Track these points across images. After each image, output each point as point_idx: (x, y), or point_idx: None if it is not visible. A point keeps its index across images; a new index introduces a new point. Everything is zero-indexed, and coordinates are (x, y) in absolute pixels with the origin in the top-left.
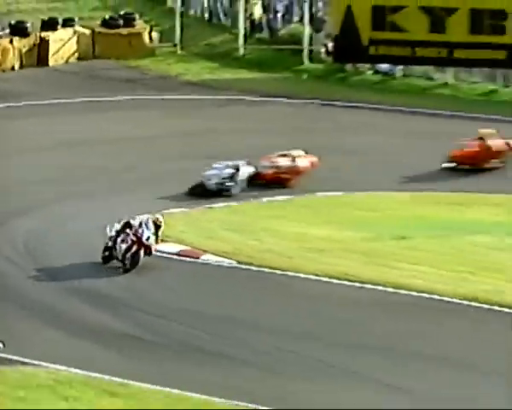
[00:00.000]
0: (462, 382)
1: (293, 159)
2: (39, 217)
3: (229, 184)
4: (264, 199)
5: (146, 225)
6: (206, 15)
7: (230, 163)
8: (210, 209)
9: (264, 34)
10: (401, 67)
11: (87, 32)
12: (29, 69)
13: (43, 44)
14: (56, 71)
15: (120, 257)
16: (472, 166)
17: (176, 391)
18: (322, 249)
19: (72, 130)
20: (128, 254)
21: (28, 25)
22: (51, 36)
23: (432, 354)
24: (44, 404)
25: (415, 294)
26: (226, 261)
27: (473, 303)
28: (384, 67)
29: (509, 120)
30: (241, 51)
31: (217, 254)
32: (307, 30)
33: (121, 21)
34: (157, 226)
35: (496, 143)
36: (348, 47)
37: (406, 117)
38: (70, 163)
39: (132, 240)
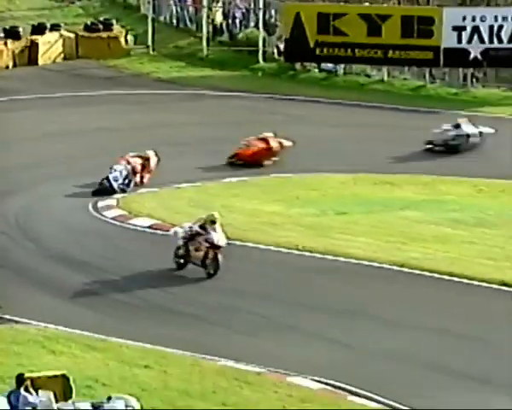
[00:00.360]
0: (391, 336)
1: (267, 141)
2: (27, 196)
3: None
4: (224, 180)
5: (211, 227)
6: (175, 21)
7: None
8: (177, 189)
9: (225, 37)
10: (343, 65)
11: (71, 35)
12: (21, 68)
13: (34, 46)
14: (45, 69)
15: (200, 264)
16: (252, 163)
17: (147, 345)
18: (275, 223)
19: (57, 121)
20: (208, 261)
21: (20, 29)
22: (40, 39)
23: (367, 312)
24: (35, 357)
25: (354, 261)
26: None
27: (404, 269)
28: (328, 65)
29: (436, 111)
30: (205, 52)
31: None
32: (262, 33)
33: (101, 26)
34: (213, 222)
35: (275, 142)
36: (297, 48)
37: (347, 109)
38: (55, 150)
39: (206, 247)
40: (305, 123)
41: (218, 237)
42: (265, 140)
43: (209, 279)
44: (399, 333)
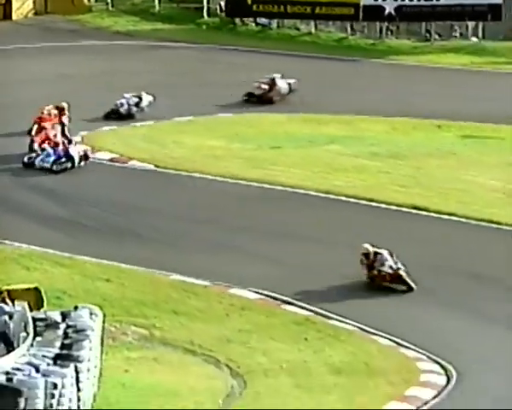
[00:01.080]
0: (317, 252)
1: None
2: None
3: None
4: (174, 119)
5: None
6: None
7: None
8: (133, 127)
9: None
10: (276, 20)
11: None
12: None
13: (8, 4)
14: (18, 24)
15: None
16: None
17: (108, 262)
18: (217, 156)
19: (27, 69)
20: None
21: None
22: None
23: (298, 233)
24: (11, 272)
25: (286, 189)
26: (147, 166)
27: (329, 196)
28: (263, 20)
29: (356, 59)
30: (157, 8)
31: (139, 161)
32: None
33: None
34: None
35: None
36: (236, 5)
37: (279, 58)
38: (24, 95)
39: (391, 275)
40: (243, 70)
41: (399, 267)
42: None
43: (163, 207)
44: (325, 250)
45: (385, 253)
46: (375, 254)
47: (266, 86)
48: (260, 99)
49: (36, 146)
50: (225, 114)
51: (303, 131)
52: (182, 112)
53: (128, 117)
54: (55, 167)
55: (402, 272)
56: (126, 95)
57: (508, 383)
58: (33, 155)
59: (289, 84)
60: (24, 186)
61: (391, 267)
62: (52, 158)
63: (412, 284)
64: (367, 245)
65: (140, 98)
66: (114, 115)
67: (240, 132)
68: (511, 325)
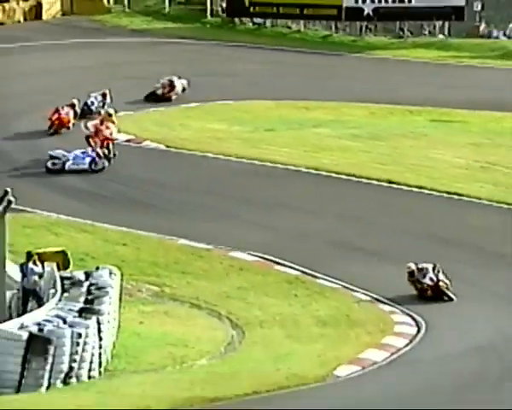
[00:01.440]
0: (308, 221)
1: (172, 83)
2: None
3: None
4: (181, 105)
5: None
6: None
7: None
8: (147, 113)
9: None
10: (270, 20)
11: None
12: (29, 22)
13: (39, 5)
14: (47, 23)
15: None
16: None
17: (125, 229)
18: (220, 138)
19: (57, 62)
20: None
21: None
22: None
23: (290, 204)
24: (41, 238)
25: (279, 166)
26: (159, 146)
27: (317, 172)
28: (259, 20)
29: (339, 54)
30: (167, 9)
31: (152, 141)
32: None
33: None
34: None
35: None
36: (235, 7)
37: (272, 52)
38: (52, 82)
39: (431, 287)
40: (240, 62)
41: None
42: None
43: (173, 180)
44: (314, 219)
45: (428, 267)
46: (418, 269)
47: (166, 87)
48: (160, 98)
49: (98, 149)
50: (226, 102)
51: (293, 115)
52: (189, 100)
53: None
54: (93, 167)
55: (441, 284)
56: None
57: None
58: (58, 159)
59: (183, 84)
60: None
61: (431, 279)
62: (88, 159)
63: (452, 296)
64: (410, 264)
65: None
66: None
67: (238, 117)
68: (468, 281)
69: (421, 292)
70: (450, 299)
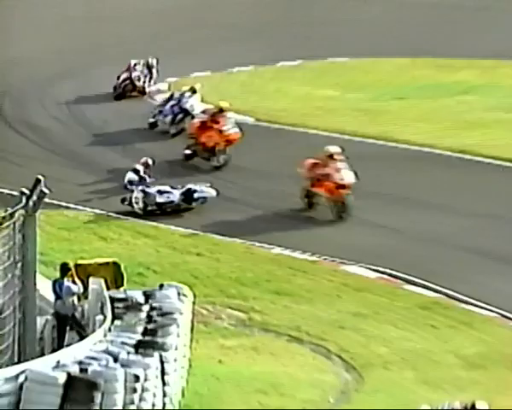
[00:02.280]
0: (442, 222)
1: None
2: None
3: None
4: (277, 64)
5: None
6: None
7: None
8: (229, 73)
9: None
10: None
11: None
12: None
13: None
14: None
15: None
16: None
17: (196, 232)
18: (330, 109)
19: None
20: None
21: None
22: None
23: (424, 200)
24: (85, 243)
25: (410, 147)
26: (246, 119)
27: (462, 155)
28: None
29: None
30: None
31: (237, 113)
32: None
33: None
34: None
35: None
36: None
37: None
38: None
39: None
40: (358, 5)
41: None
42: None
43: (256, 165)
44: (454, 219)
45: None
46: None
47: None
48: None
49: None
50: (337, 58)
51: (432, 78)
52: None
53: None
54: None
55: None
56: None
57: None
58: None
59: None
60: (99, 142)
61: None
62: None
63: None
64: None
65: None
66: None
67: (356, 80)
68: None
69: None
70: None
